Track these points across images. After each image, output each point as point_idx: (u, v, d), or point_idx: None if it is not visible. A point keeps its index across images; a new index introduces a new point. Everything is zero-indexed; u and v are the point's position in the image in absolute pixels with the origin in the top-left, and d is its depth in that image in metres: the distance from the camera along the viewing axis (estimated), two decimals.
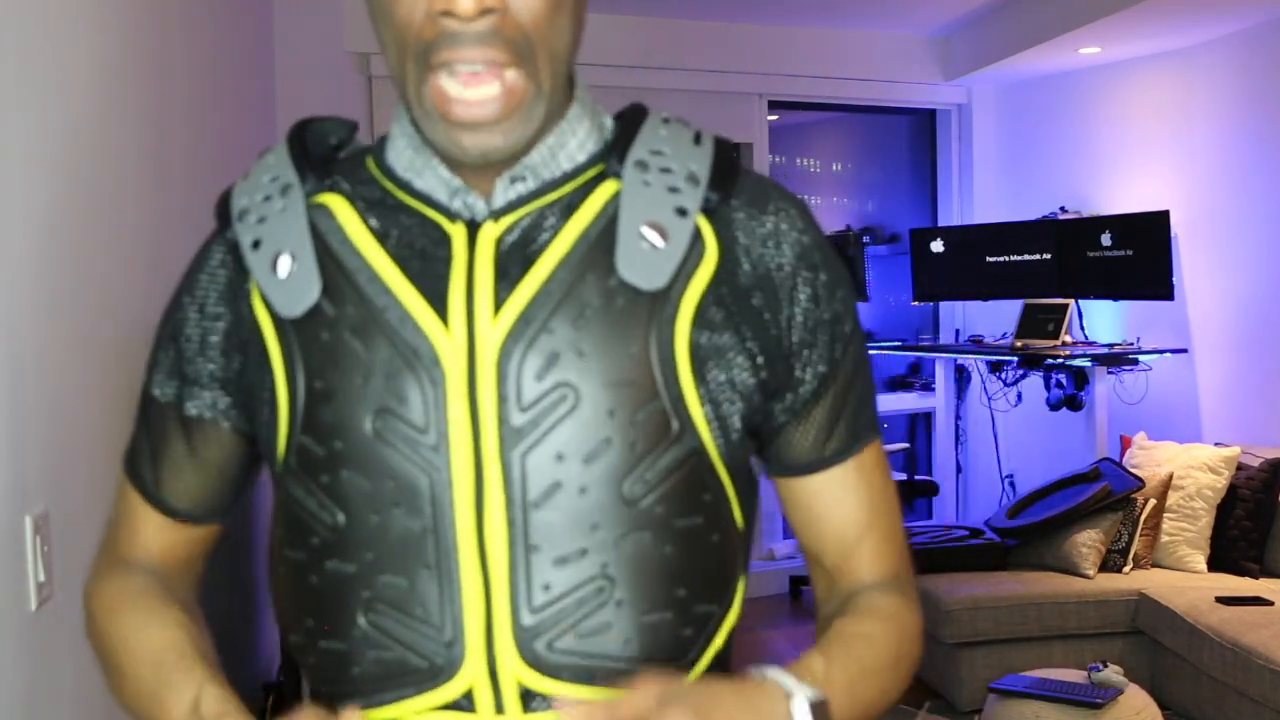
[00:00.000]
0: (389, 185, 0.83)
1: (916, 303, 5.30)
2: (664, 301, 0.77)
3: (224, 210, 0.85)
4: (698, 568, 0.79)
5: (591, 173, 0.82)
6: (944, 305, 5.47)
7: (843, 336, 0.84)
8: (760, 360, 0.81)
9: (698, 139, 0.84)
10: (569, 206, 0.80)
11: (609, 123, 0.86)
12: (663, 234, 0.78)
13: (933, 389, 5.37)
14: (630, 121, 0.84)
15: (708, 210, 0.80)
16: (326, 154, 0.86)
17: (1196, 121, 4.40)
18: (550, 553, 0.76)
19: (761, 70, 4.90)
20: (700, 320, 0.78)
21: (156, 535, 0.90)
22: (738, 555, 0.83)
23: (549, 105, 0.77)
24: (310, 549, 0.80)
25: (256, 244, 0.81)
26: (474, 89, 0.73)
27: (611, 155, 0.81)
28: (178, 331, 0.87)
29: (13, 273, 1.20)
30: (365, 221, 0.81)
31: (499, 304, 0.77)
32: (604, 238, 0.78)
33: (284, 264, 0.79)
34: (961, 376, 5.31)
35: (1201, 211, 4.37)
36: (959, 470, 5.35)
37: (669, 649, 0.78)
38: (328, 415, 0.78)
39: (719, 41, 4.79)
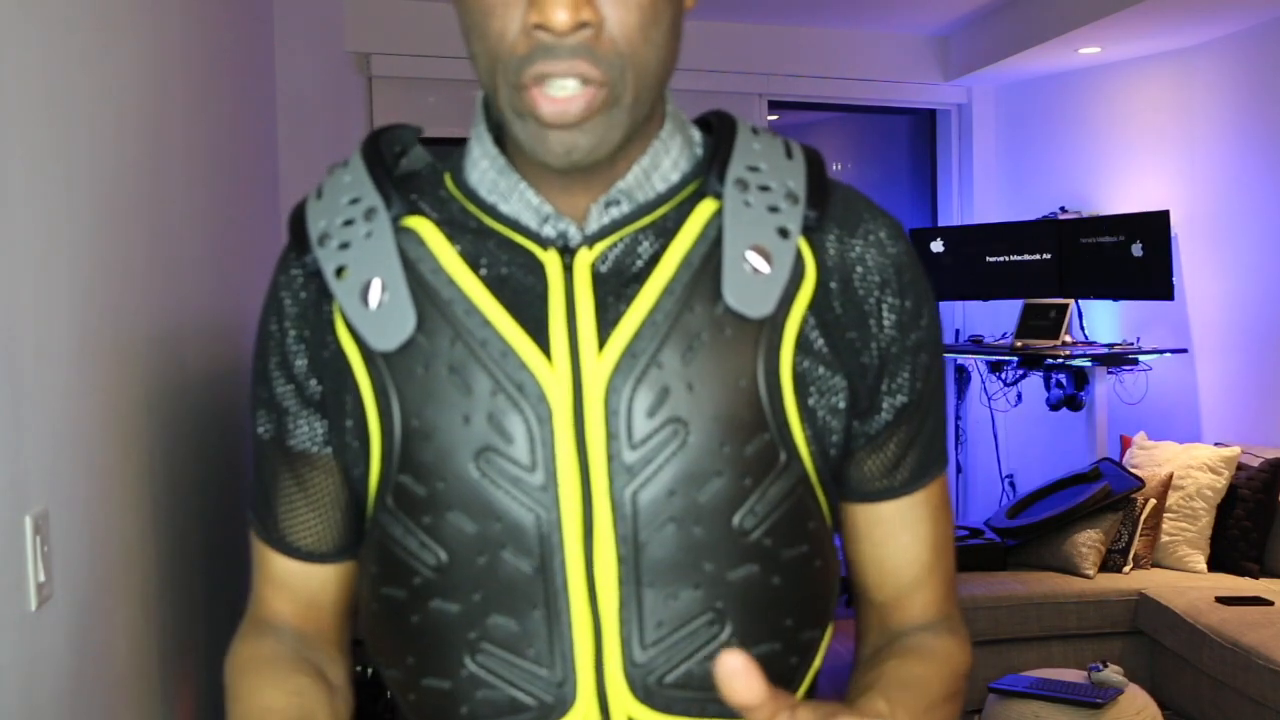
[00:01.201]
0: (472, 208, 0.80)
1: None
2: (770, 329, 0.75)
3: (299, 231, 0.81)
4: (804, 596, 0.78)
5: (686, 192, 0.79)
6: (944, 305, 5.47)
7: (923, 366, 0.82)
8: (849, 384, 0.79)
9: (789, 151, 0.81)
10: (664, 229, 0.77)
11: (697, 135, 0.83)
12: (767, 258, 0.75)
13: None
14: (721, 134, 0.81)
15: (806, 229, 0.78)
16: (391, 165, 0.82)
17: (1196, 121, 4.40)
18: (662, 589, 0.75)
19: (762, 70, 4.90)
20: (801, 345, 0.77)
21: (287, 586, 0.86)
22: (836, 577, 0.82)
23: (632, 117, 0.73)
24: (411, 588, 0.78)
25: (340, 271, 0.77)
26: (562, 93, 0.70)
27: (709, 173, 0.78)
28: (266, 363, 0.84)
29: (13, 273, 1.20)
30: (455, 247, 0.77)
31: (602, 335, 0.74)
32: (708, 263, 0.76)
33: (374, 294, 0.76)
34: (961, 376, 5.31)
35: (1201, 211, 4.37)
36: (959, 470, 5.35)
37: (777, 678, 0.76)
38: (428, 455, 0.75)
39: (719, 41, 4.79)
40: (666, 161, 0.79)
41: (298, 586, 0.87)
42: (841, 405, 0.79)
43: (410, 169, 0.84)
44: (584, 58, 0.69)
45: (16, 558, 1.19)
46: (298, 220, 0.81)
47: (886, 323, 0.80)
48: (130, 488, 1.62)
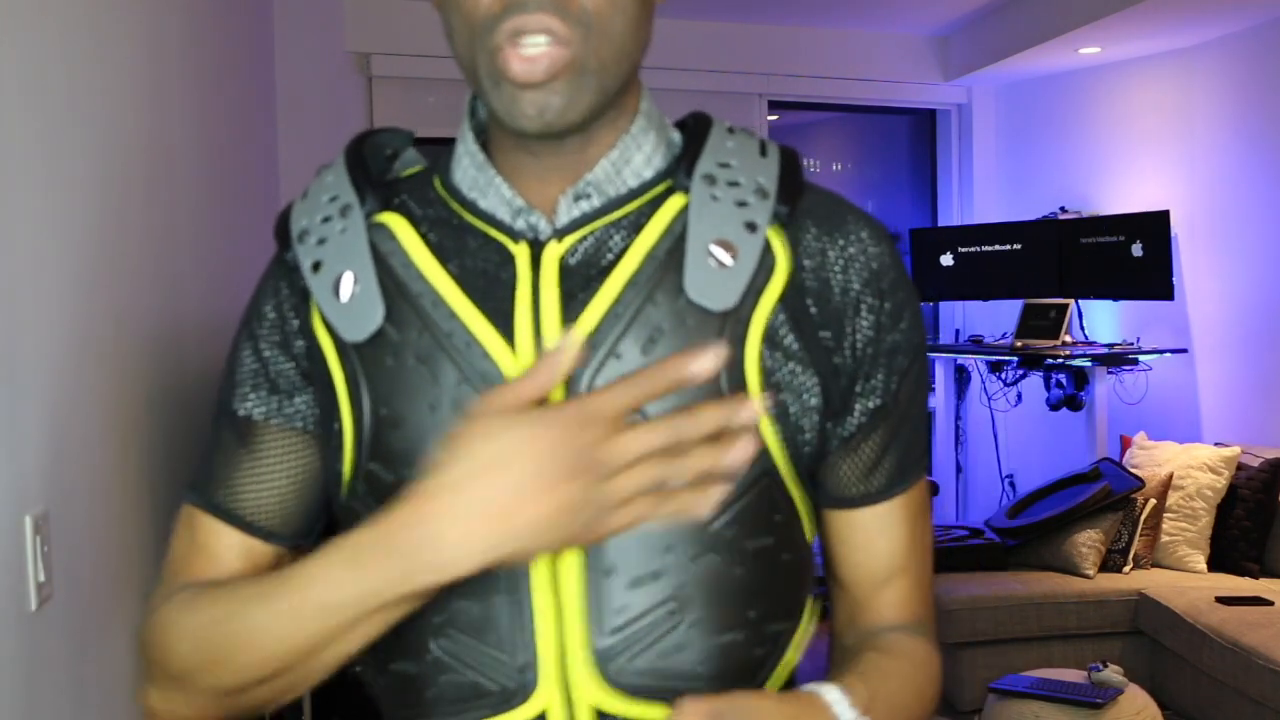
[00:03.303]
0: (455, 205, 0.82)
1: None
2: (734, 321, 0.76)
3: (283, 231, 0.83)
4: (769, 588, 0.79)
5: (659, 189, 0.80)
6: (944, 305, 5.47)
7: (900, 370, 0.83)
8: (821, 383, 0.79)
9: (763, 150, 0.82)
10: (636, 224, 0.78)
11: (676, 136, 0.85)
12: (731, 251, 0.76)
13: (933, 389, 5.37)
14: (695, 132, 0.82)
15: (780, 224, 0.79)
16: (383, 168, 0.84)
17: (1196, 121, 4.40)
18: (624, 576, 0.76)
19: (762, 70, 4.89)
20: (769, 338, 0.77)
21: (224, 561, 0.85)
22: (808, 572, 0.83)
23: (599, 85, 0.75)
24: None
25: (317, 266, 0.80)
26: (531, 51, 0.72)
27: (679, 169, 0.80)
28: (257, 343, 0.85)
29: (14, 273, 1.20)
30: (427, 242, 0.79)
31: (566, 326, 0.76)
32: (672, 256, 0.77)
33: (346, 287, 0.78)
34: (961, 376, 5.31)
35: (1201, 211, 4.37)
36: (959, 470, 5.35)
37: (742, 669, 0.78)
38: (397, 443, 0.77)
39: (719, 41, 4.79)
40: (639, 157, 0.81)
41: (237, 563, 0.85)
42: (813, 403, 0.79)
43: (403, 171, 0.86)
44: (552, 12, 0.71)
45: (16, 558, 1.19)
46: (283, 219, 0.84)
47: (864, 324, 0.81)
48: (130, 488, 1.62)
